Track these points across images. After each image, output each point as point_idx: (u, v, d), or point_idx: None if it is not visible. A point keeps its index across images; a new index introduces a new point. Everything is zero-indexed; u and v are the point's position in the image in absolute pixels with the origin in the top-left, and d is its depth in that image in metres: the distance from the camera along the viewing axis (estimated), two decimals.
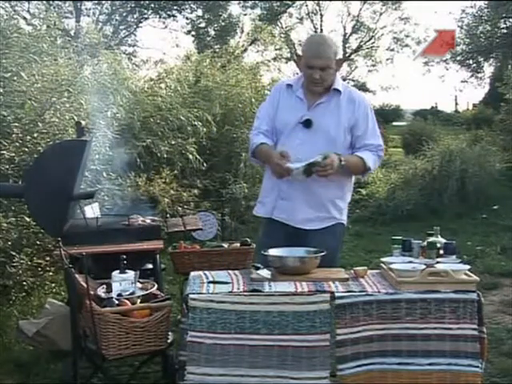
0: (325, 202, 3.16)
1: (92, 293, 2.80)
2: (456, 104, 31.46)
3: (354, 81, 30.34)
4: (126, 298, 2.83)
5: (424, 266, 2.78)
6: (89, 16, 21.89)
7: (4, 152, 4.89)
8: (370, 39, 29.94)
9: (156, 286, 3.01)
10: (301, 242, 3.08)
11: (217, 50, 9.85)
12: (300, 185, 3.06)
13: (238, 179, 7.59)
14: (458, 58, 21.50)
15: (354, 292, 2.70)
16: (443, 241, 3.00)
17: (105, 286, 2.94)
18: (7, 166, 4.89)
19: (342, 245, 3.39)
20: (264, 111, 3.28)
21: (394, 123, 25.71)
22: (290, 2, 27.78)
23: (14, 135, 5.01)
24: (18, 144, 5.02)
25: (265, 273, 2.92)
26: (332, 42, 3.16)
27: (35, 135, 5.15)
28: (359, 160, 3.12)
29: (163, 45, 33.12)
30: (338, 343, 2.65)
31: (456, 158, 8.95)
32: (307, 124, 3.10)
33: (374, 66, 30.34)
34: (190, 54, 11.10)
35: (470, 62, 21.84)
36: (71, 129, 5.31)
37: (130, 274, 2.90)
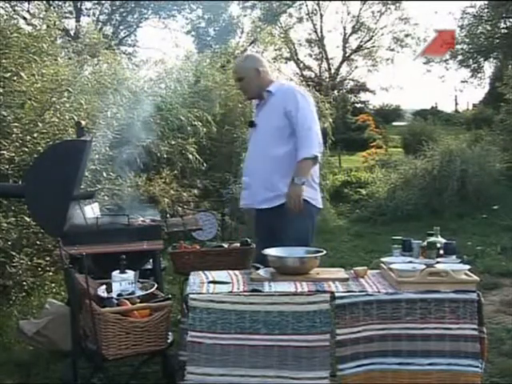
0: (276, 182, 3.50)
1: (92, 293, 2.80)
2: (456, 104, 31.47)
3: (353, 81, 30.35)
4: (126, 298, 2.83)
5: (424, 266, 2.78)
6: (89, 16, 21.92)
7: (4, 152, 4.89)
8: (370, 39, 29.93)
9: (156, 285, 3.02)
10: (271, 222, 3.48)
11: (217, 50, 9.83)
12: (254, 173, 3.58)
13: (237, 179, 7.59)
14: (458, 58, 21.49)
15: (354, 292, 2.71)
16: (443, 241, 3.00)
17: (105, 285, 2.94)
18: (7, 166, 4.89)
19: (310, 222, 3.57)
20: None
21: (394, 123, 25.73)
22: (289, 2, 27.79)
23: (13, 135, 5.01)
24: (17, 144, 5.02)
25: (265, 273, 2.92)
26: (248, 57, 3.87)
27: (35, 135, 5.15)
28: (300, 164, 3.42)
29: (163, 45, 33.13)
30: (338, 343, 2.66)
31: (456, 158, 8.93)
32: (251, 125, 3.73)
33: (373, 66, 30.33)
34: (190, 54, 11.09)
35: (470, 62, 21.83)
36: (71, 129, 5.31)
37: (130, 273, 2.90)
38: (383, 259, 3.02)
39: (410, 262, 2.90)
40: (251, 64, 3.68)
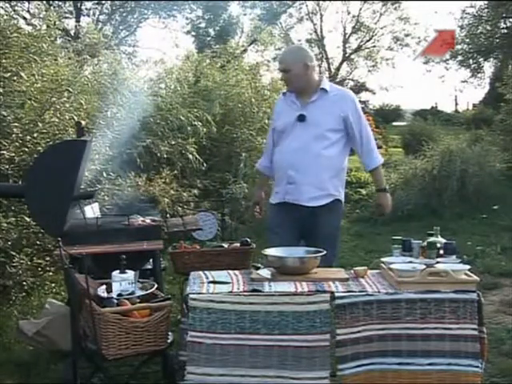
0: (325, 181, 3.60)
1: (92, 293, 2.80)
2: (456, 104, 31.52)
3: (353, 81, 30.37)
4: (126, 298, 2.83)
5: (424, 266, 2.78)
6: (89, 16, 21.88)
7: (4, 152, 4.89)
8: (370, 39, 29.95)
9: (156, 285, 3.01)
10: (309, 219, 3.56)
11: (216, 50, 9.83)
12: (303, 170, 3.56)
13: (237, 179, 7.59)
14: (458, 58, 21.50)
15: (354, 292, 2.70)
16: (443, 241, 3.00)
17: (105, 285, 2.94)
18: (7, 166, 4.89)
19: (341, 219, 3.87)
20: (269, 133, 3.90)
21: (394, 123, 25.72)
22: (289, 2, 27.82)
23: (13, 135, 5.01)
24: (17, 144, 5.02)
25: (265, 273, 2.92)
26: (297, 50, 3.82)
27: (35, 135, 5.15)
28: (376, 172, 3.79)
29: (163, 45, 33.12)
30: (338, 343, 2.66)
31: (456, 158, 8.92)
32: (301, 118, 3.59)
33: (374, 66, 30.35)
34: (191, 53, 11.09)
35: (470, 62, 21.84)
36: (71, 129, 5.31)
37: (130, 273, 2.90)
38: (383, 259, 3.02)
39: (410, 262, 2.90)
40: (300, 58, 3.61)
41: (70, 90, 5.68)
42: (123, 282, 2.86)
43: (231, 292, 2.70)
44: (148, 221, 3.70)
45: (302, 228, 3.59)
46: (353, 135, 3.61)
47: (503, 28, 20.02)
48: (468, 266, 2.82)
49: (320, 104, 3.60)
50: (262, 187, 4.04)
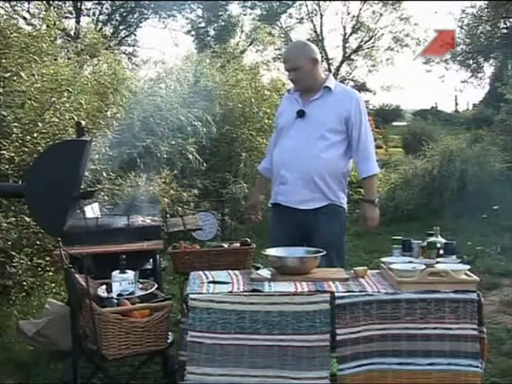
0: (318, 184, 3.39)
1: (92, 293, 2.80)
2: (456, 104, 31.54)
3: (353, 81, 30.36)
4: (126, 298, 2.83)
5: (424, 266, 2.78)
6: (89, 16, 21.89)
7: (4, 152, 4.90)
8: (370, 39, 29.94)
9: (156, 285, 3.02)
10: (305, 225, 3.40)
11: (216, 50, 9.85)
12: (296, 169, 3.39)
13: (237, 179, 7.60)
14: (458, 58, 21.51)
15: (354, 292, 2.70)
16: (443, 241, 3.00)
17: (105, 285, 2.94)
18: (7, 166, 4.89)
19: (343, 227, 3.61)
20: (273, 133, 3.78)
21: (394, 123, 25.75)
22: (289, 3, 27.83)
23: (13, 135, 5.02)
24: (17, 144, 5.03)
25: (265, 273, 2.92)
26: (303, 45, 3.56)
27: (35, 135, 5.16)
28: (368, 181, 3.51)
29: (163, 45, 33.17)
30: (338, 343, 2.66)
31: (456, 158, 8.93)
32: (300, 114, 3.44)
33: (374, 66, 30.35)
34: (191, 54, 11.10)
35: (470, 62, 21.85)
36: (71, 129, 5.32)
37: (130, 273, 2.90)
38: (383, 259, 3.02)
39: (410, 262, 2.90)
40: (309, 53, 3.42)
41: (70, 89, 5.69)
42: (123, 281, 2.86)
43: (231, 292, 2.70)
44: (148, 221, 3.70)
45: (301, 234, 3.42)
46: (351, 136, 3.42)
47: (503, 28, 20.01)
48: (468, 266, 2.82)
49: (322, 102, 3.44)
50: (261, 189, 3.88)
